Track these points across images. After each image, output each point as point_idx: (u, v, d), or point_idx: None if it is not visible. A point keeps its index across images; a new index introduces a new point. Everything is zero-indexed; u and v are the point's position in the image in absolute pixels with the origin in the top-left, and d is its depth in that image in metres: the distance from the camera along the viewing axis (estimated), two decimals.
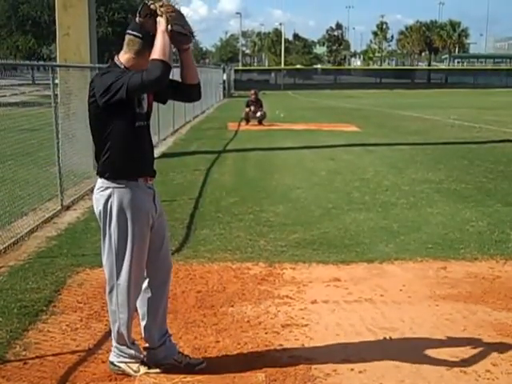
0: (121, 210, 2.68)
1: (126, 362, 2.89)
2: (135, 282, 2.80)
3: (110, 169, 2.66)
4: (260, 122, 16.11)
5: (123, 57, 2.65)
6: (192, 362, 2.96)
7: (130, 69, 2.61)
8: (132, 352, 2.89)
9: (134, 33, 2.62)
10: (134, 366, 2.88)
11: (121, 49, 2.69)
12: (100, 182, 2.72)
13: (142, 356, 2.93)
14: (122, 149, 2.65)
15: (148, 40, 2.57)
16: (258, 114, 16.24)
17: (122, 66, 2.63)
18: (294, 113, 20.30)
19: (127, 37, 2.64)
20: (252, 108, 16.36)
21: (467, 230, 5.53)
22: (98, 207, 2.73)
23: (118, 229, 2.69)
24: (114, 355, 2.91)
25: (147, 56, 2.56)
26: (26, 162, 6.10)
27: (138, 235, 2.71)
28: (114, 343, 2.91)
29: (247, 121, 16.34)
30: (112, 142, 2.64)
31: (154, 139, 12.18)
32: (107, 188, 2.68)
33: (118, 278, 2.79)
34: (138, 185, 2.70)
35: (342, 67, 64.90)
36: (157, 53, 2.49)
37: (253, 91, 16.86)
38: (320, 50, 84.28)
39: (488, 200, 6.77)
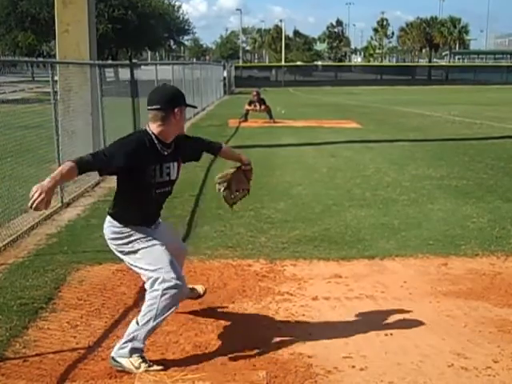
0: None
1: (128, 358, 2.88)
2: None
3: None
4: (272, 119, 15.76)
5: (152, 126, 2.92)
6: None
7: (160, 135, 2.91)
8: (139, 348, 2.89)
9: (153, 107, 2.90)
10: (136, 363, 2.87)
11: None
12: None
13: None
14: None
15: (167, 107, 2.88)
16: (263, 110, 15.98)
17: (151, 132, 2.91)
18: (294, 110, 20.26)
19: (149, 112, 2.92)
20: (252, 106, 16.12)
21: (468, 226, 5.52)
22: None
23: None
24: (118, 351, 2.90)
25: (172, 122, 2.90)
26: (25, 158, 6.08)
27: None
28: (127, 339, 2.88)
29: (246, 118, 16.16)
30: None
31: None
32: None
33: None
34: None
35: (342, 64, 64.67)
36: None
37: (254, 92, 16.50)
38: (320, 46, 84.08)
39: (489, 196, 6.76)
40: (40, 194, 2.55)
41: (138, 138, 2.92)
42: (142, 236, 2.99)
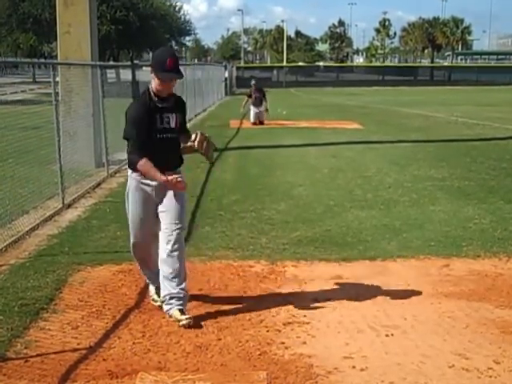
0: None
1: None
2: None
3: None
4: (261, 122, 15.54)
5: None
6: None
7: (154, 90, 3.45)
8: None
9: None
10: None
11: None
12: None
13: None
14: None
15: (152, 70, 3.43)
16: (261, 115, 15.48)
17: (150, 88, 3.47)
18: (296, 110, 20.26)
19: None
20: (256, 95, 15.43)
21: (470, 227, 5.51)
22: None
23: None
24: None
25: (156, 82, 3.41)
26: (27, 160, 6.08)
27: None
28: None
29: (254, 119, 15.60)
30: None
31: None
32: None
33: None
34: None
35: (344, 64, 64.65)
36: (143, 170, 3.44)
37: (253, 81, 16.31)
38: (322, 47, 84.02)
39: (491, 197, 6.75)
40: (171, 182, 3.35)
41: (141, 100, 3.51)
42: (132, 195, 3.54)
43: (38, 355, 3.05)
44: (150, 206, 3.52)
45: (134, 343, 3.19)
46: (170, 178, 3.37)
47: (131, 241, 3.64)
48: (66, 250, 4.85)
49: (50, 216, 5.85)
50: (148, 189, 3.50)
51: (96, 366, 2.96)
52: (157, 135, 3.45)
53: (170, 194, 3.48)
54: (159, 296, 3.60)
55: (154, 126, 3.44)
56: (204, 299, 3.81)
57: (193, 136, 3.62)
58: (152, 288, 3.74)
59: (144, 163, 3.41)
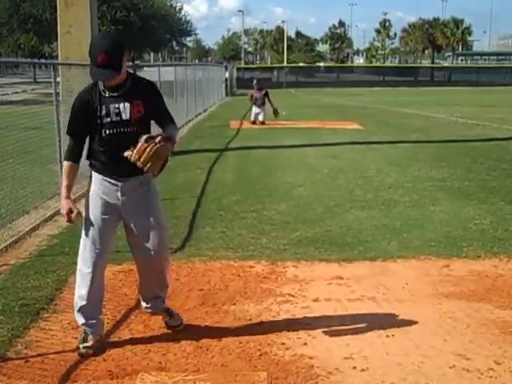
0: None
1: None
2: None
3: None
4: (262, 122, 15.58)
5: None
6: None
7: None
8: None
9: None
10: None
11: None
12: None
13: None
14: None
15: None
16: (261, 116, 15.58)
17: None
18: (296, 111, 20.24)
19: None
20: (257, 95, 15.41)
21: (470, 227, 5.51)
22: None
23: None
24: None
25: None
26: (27, 160, 6.08)
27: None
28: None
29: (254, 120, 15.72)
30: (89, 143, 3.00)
31: None
32: None
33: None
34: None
35: (344, 65, 64.72)
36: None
37: (254, 81, 16.27)
38: (323, 47, 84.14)
39: (491, 198, 6.75)
40: (63, 210, 2.95)
41: (86, 88, 2.96)
42: (93, 200, 3.04)
43: (38, 355, 3.05)
44: (112, 214, 3.00)
45: (134, 343, 3.19)
46: (66, 209, 2.94)
47: (84, 266, 3.15)
48: (66, 250, 4.85)
49: (51, 216, 5.85)
50: (112, 188, 2.96)
51: (96, 366, 2.96)
52: (104, 131, 2.86)
53: (143, 206, 3.00)
54: (86, 341, 3.05)
55: (98, 121, 2.85)
56: (204, 299, 3.81)
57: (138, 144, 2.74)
58: (90, 337, 3.08)
59: (64, 168, 2.95)
